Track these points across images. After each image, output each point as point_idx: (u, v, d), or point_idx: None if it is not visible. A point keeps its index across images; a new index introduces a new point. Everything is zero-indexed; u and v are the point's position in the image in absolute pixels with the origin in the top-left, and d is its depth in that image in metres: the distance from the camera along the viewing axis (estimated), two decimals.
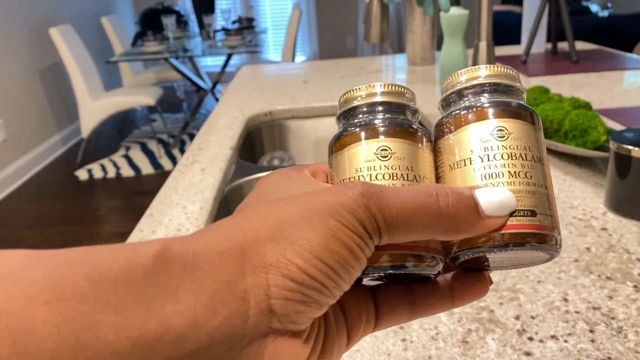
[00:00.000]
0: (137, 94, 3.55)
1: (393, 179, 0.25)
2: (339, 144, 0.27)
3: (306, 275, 0.20)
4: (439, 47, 1.54)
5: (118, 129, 4.26)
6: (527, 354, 0.44)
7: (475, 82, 0.26)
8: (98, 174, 3.39)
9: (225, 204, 0.86)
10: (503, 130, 0.25)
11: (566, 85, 1.28)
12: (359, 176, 0.25)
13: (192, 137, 3.86)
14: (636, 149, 0.62)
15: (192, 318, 0.18)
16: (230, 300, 0.19)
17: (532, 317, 0.49)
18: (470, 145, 0.25)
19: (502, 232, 0.23)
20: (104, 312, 0.17)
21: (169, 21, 4.11)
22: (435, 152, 0.27)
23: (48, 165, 3.68)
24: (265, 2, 5.71)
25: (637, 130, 0.67)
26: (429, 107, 1.18)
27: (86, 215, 2.89)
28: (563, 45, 1.68)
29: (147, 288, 0.18)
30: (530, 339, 0.46)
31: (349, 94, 0.28)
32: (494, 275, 0.55)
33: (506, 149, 0.24)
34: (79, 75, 3.35)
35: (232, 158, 0.97)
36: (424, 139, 0.26)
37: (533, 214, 0.24)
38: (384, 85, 0.27)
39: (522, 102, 0.26)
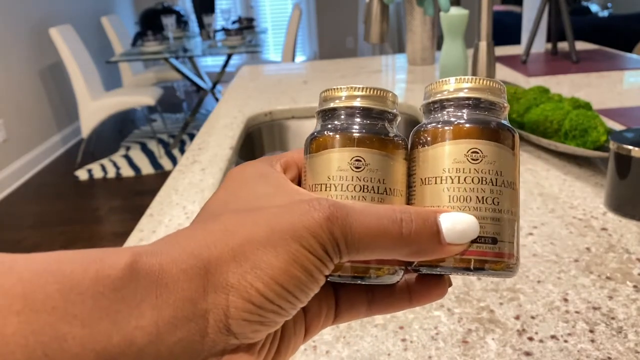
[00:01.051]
0: (137, 94, 3.55)
1: (363, 191, 0.25)
2: (314, 145, 0.27)
3: (265, 299, 0.21)
4: (439, 47, 1.54)
5: (118, 129, 4.26)
6: (527, 354, 0.44)
7: (457, 94, 0.26)
8: (98, 174, 3.39)
9: None
10: (477, 153, 0.25)
11: (566, 85, 1.28)
12: (330, 184, 0.25)
13: (192, 137, 3.86)
14: (636, 149, 0.62)
15: (153, 333, 0.19)
16: (191, 318, 0.20)
17: (532, 317, 0.49)
18: (443, 163, 0.25)
19: (462, 256, 0.24)
20: (72, 325, 0.18)
21: (169, 21, 4.11)
22: (410, 160, 0.27)
23: (48, 165, 3.68)
24: (265, 2, 5.71)
25: (637, 130, 0.67)
26: None
27: (86, 215, 2.89)
28: (563, 45, 1.67)
29: (114, 302, 0.19)
30: (530, 339, 0.46)
31: (329, 92, 0.27)
32: None
33: (477, 172, 0.24)
34: (79, 75, 3.35)
35: (232, 158, 0.97)
36: (400, 149, 0.26)
37: (494, 241, 0.24)
38: (366, 89, 0.26)
39: (502, 122, 0.26)
